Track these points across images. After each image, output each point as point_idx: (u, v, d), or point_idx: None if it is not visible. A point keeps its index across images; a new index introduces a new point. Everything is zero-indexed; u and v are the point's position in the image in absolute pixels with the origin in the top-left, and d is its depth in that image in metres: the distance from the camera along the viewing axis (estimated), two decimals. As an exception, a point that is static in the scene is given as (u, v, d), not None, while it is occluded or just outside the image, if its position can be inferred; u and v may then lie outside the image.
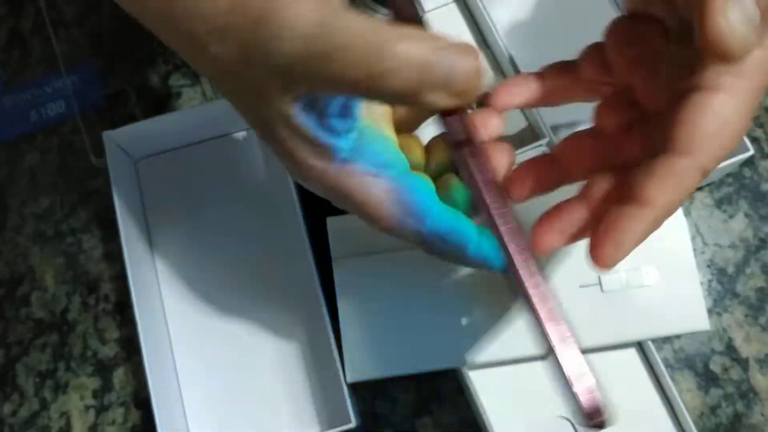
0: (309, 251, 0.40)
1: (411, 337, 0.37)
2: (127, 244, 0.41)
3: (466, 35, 0.45)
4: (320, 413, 0.41)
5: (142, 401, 0.43)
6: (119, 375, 0.44)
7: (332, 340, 0.38)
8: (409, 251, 0.37)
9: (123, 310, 0.45)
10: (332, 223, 0.38)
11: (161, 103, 0.49)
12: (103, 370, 0.44)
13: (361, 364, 0.37)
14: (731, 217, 0.44)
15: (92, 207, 0.47)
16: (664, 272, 0.37)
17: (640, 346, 0.40)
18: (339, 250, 0.38)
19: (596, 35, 0.46)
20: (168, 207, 0.46)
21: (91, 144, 0.47)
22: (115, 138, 0.43)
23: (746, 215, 0.44)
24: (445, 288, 0.37)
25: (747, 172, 0.45)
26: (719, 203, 0.45)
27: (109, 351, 0.44)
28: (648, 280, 0.37)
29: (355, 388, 0.42)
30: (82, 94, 0.49)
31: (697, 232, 0.44)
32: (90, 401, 0.43)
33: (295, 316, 0.43)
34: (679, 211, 0.37)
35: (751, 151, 0.40)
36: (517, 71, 0.42)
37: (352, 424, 0.37)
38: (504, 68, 0.44)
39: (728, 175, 0.45)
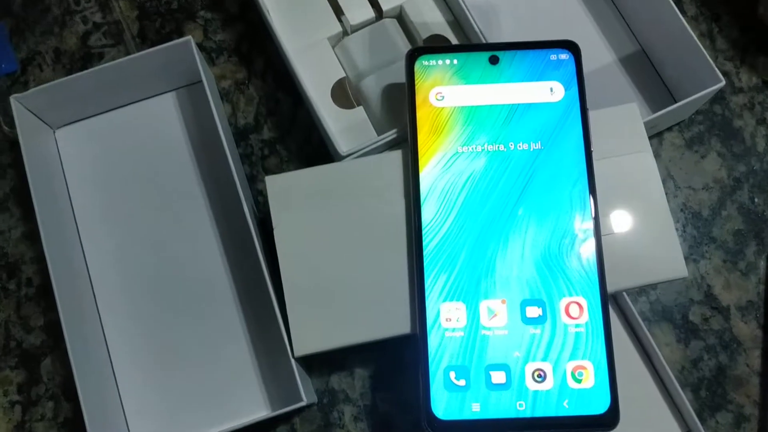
0: (250, 216, 0.36)
1: (362, 304, 0.33)
2: (44, 221, 0.37)
3: (441, 22, 0.42)
4: (272, 393, 0.38)
5: (73, 393, 0.38)
6: (47, 366, 0.39)
7: (277, 312, 0.34)
8: (357, 207, 0.34)
9: (48, 294, 0.40)
10: (271, 182, 0.35)
11: (81, 65, 0.44)
12: (29, 361, 0.39)
13: (308, 336, 0.33)
14: (703, 157, 0.42)
15: (8, 183, 0.42)
16: (635, 218, 0.34)
17: (614, 298, 0.37)
18: (279, 211, 0.34)
19: (570, 22, 0.43)
20: (94, 180, 0.41)
21: (3, 113, 0.42)
22: (26, 103, 0.39)
23: (719, 154, 0.42)
24: (398, 247, 0.33)
25: (718, 109, 0.42)
26: (690, 143, 0.42)
27: (34, 339, 0.40)
28: (618, 227, 0.34)
29: (311, 364, 0.39)
30: (-9, 59, 0.44)
31: (668, 175, 0.41)
32: (15, 396, 0.39)
33: (238, 289, 0.39)
34: (649, 153, 0.34)
35: (723, 82, 0.37)
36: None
37: (303, 402, 0.33)
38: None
39: (698, 112, 0.42)
